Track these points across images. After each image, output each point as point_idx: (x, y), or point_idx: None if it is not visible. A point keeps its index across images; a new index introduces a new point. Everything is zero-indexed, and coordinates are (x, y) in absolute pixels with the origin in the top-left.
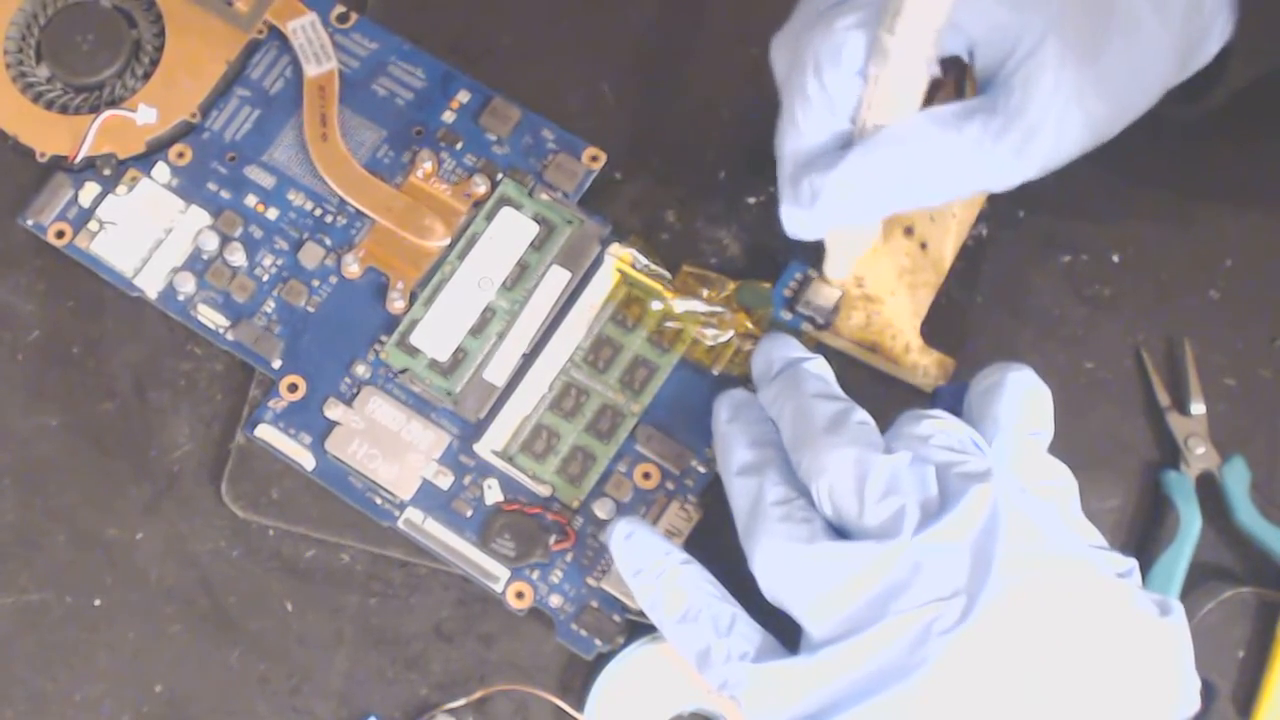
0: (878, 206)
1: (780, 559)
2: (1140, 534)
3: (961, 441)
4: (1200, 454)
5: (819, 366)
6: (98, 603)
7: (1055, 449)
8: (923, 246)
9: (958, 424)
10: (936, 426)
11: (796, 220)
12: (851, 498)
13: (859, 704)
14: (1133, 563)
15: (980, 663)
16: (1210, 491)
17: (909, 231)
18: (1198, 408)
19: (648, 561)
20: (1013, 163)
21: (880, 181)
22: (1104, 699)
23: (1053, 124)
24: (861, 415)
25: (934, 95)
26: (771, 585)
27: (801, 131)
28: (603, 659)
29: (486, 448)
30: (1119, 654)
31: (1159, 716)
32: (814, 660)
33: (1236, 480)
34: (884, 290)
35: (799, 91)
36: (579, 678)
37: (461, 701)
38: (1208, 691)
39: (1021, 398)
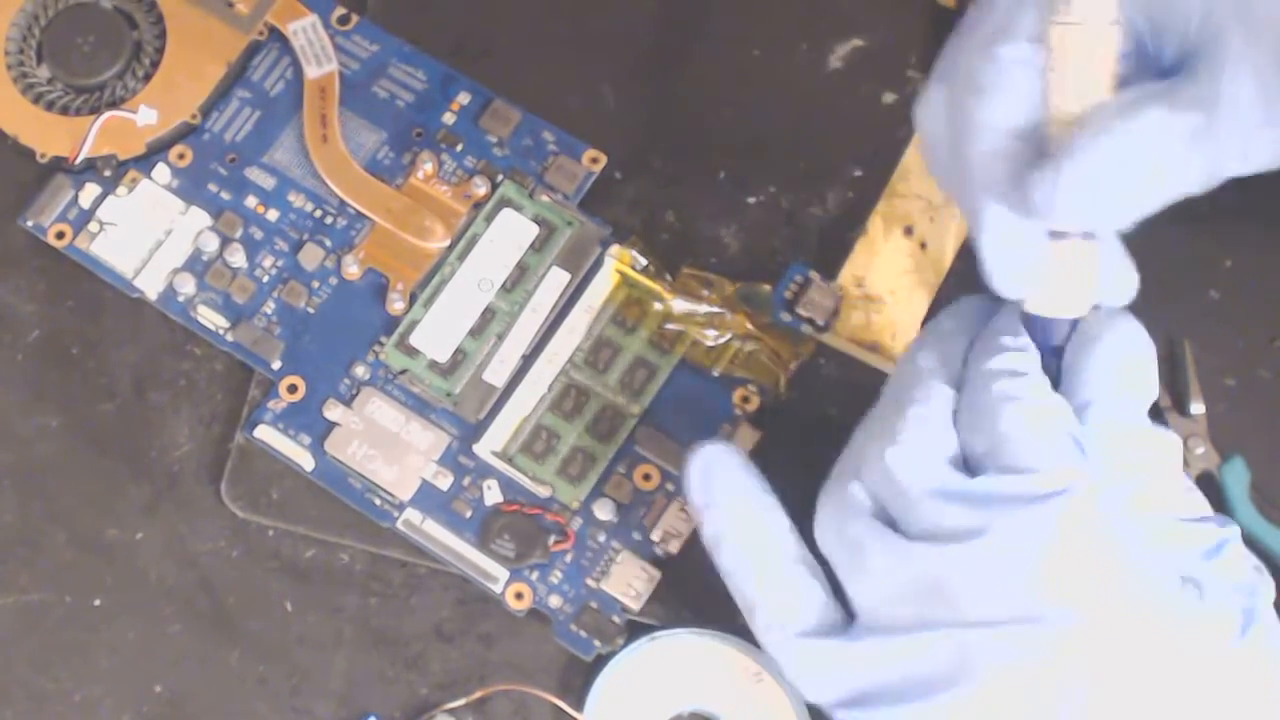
0: (1124, 200)
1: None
2: None
3: (1058, 437)
4: (1200, 454)
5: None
6: (98, 603)
7: None
8: (923, 246)
9: (1051, 408)
10: (1031, 414)
11: (1012, 246)
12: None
13: (908, 703)
14: (1231, 531)
15: (1038, 685)
16: (1210, 491)
17: (909, 231)
18: (1197, 408)
19: (724, 498)
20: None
21: (1125, 166)
22: None
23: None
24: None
25: None
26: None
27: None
28: (602, 659)
29: (486, 448)
30: (1193, 691)
31: None
32: (862, 645)
33: (1236, 480)
34: (884, 290)
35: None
36: (579, 678)
37: (461, 701)
38: None
39: (1122, 360)
